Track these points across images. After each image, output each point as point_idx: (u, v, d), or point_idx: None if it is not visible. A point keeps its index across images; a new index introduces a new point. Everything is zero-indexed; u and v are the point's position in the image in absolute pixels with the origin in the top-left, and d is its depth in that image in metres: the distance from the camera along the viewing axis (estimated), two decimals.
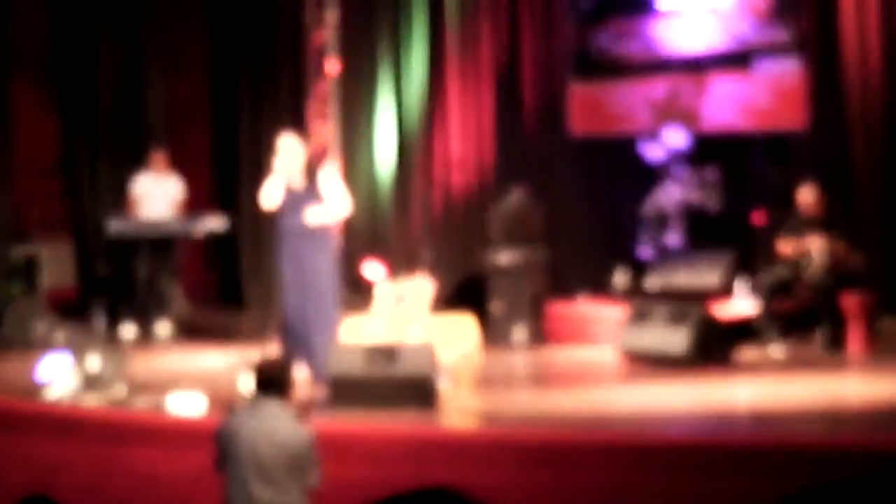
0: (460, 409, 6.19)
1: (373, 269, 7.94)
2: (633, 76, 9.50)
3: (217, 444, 4.32)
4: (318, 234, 6.88)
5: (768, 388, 6.70)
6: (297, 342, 6.84)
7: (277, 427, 4.20)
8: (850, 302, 7.71)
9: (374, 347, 6.35)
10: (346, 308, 7.23)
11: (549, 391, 7.01)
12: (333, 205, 6.91)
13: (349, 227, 9.65)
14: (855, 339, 7.66)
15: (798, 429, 5.72)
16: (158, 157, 9.44)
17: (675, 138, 9.12)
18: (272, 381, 4.28)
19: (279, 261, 7.04)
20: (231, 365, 7.51)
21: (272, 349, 7.02)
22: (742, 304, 8.26)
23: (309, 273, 6.85)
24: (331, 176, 7.00)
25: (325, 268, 6.91)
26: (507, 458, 5.41)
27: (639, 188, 9.33)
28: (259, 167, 10.95)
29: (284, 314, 7.01)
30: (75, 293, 10.17)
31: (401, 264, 9.64)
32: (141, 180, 9.44)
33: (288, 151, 6.88)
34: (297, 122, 10.63)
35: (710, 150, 9.21)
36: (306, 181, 6.91)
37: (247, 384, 5.90)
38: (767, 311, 7.90)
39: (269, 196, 6.92)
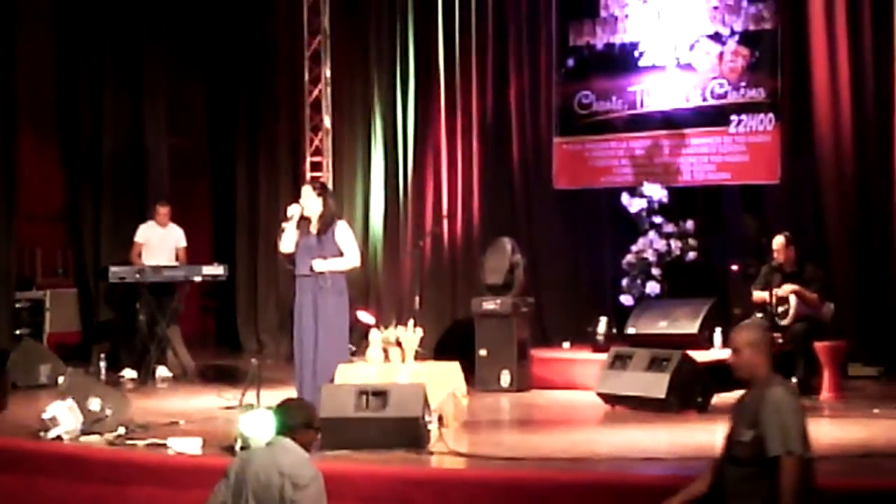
0: (448, 450, 6.16)
1: (364, 318, 8.12)
2: (615, 132, 9.78)
3: (228, 478, 4.33)
4: (329, 281, 7.07)
5: None
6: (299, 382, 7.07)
7: (285, 461, 4.23)
8: (823, 349, 7.91)
9: (366, 389, 6.37)
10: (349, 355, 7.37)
11: (533, 433, 7.09)
12: (346, 256, 7.14)
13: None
14: (827, 385, 7.87)
15: None
16: (163, 210, 9.63)
17: (655, 191, 9.33)
18: (288, 421, 4.34)
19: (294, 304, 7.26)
20: (227, 407, 7.68)
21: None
22: (720, 350, 8.44)
23: (319, 318, 7.04)
24: (344, 228, 7.24)
25: (333, 316, 7.08)
26: (493, 496, 5.54)
27: (620, 239, 9.53)
28: (256, 220, 11.30)
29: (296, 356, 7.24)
30: (78, 337, 10.33)
31: (391, 311, 9.87)
32: (145, 229, 9.64)
33: (305, 200, 7.17)
34: (294, 176, 10.91)
35: (688, 202, 9.45)
36: (321, 231, 7.15)
37: (247, 424, 6.03)
38: None
39: (287, 241, 7.18)
